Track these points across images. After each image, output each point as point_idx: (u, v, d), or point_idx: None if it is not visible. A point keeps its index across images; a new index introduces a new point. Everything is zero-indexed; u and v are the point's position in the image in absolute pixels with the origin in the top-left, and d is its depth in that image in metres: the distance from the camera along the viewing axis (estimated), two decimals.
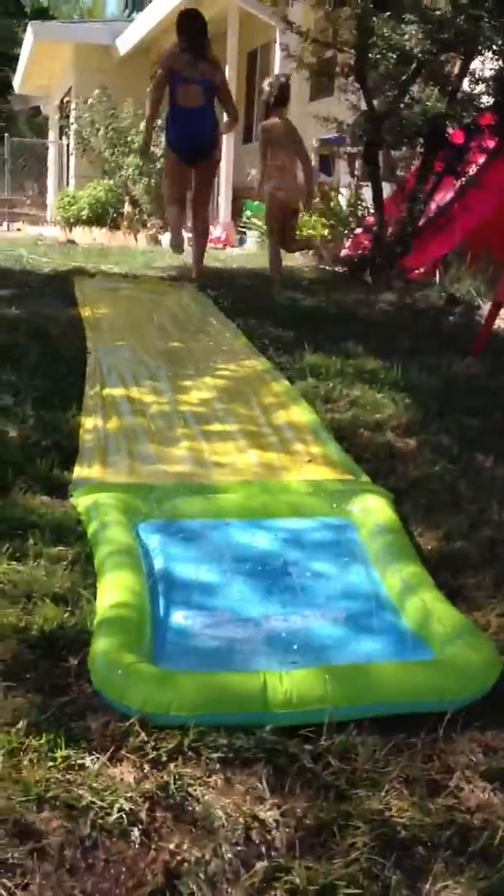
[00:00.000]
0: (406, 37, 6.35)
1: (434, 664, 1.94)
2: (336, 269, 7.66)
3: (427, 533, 2.63)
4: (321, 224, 8.61)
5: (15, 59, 25.63)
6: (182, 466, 3.03)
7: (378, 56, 6.45)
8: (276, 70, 10.09)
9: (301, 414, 3.55)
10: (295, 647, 2.01)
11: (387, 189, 7.50)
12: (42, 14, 30.37)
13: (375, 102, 7.02)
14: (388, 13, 6.39)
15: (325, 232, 8.54)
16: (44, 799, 1.51)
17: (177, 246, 6.59)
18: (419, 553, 2.47)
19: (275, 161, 6.12)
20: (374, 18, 6.38)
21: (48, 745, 1.62)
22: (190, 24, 6.29)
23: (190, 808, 1.53)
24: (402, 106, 6.74)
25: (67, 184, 16.65)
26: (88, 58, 15.52)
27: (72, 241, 10.42)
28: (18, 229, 14.25)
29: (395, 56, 6.40)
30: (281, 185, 6.09)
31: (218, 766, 1.62)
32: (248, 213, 10.98)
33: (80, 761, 1.61)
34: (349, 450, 3.22)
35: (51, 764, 1.58)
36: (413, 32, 6.28)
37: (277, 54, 9.71)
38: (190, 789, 1.57)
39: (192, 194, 6.61)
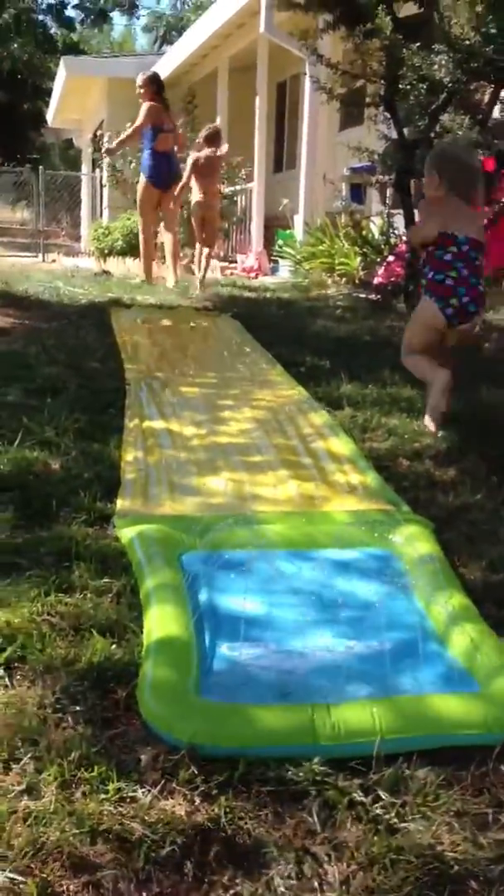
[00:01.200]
0: (436, 67, 6.42)
1: (481, 696, 1.94)
2: (369, 296, 7.70)
3: (470, 563, 2.63)
4: (354, 252, 8.66)
5: (48, 92, 26.18)
6: (223, 498, 3.06)
7: (408, 86, 6.52)
8: (307, 102, 10.22)
9: (340, 444, 3.57)
10: (341, 678, 2.02)
11: (418, 217, 7.54)
12: (73, 48, 30.98)
13: (406, 131, 7.09)
14: (418, 44, 6.47)
15: (357, 260, 8.60)
16: (97, 832, 1.52)
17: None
18: (462, 583, 2.47)
19: (198, 183, 8.58)
20: (404, 49, 6.46)
21: (100, 777, 1.64)
22: (161, 85, 8.62)
23: (241, 842, 1.54)
24: (432, 135, 6.80)
25: (101, 215, 16.91)
26: (120, 91, 15.76)
27: (107, 272, 10.55)
28: (53, 261, 14.47)
29: (425, 86, 6.46)
30: (201, 203, 8.64)
31: (268, 799, 1.63)
32: (280, 241, 11.07)
33: (131, 794, 1.62)
34: (389, 479, 3.23)
35: (103, 796, 1.60)
36: (443, 62, 6.35)
37: (307, 85, 9.82)
38: (241, 822, 1.58)
39: (168, 216, 8.68)
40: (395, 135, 7.23)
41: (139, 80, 8.60)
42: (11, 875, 1.41)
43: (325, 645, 2.17)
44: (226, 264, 12.02)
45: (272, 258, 11.55)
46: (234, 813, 1.59)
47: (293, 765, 1.71)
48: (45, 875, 1.43)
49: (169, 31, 32.37)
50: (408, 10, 7.21)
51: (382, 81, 6.95)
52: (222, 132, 9.31)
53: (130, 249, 12.72)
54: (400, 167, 7.13)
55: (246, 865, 1.49)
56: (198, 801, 1.62)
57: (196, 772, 1.68)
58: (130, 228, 12.79)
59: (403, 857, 1.51)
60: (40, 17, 31.03)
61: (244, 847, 1.53)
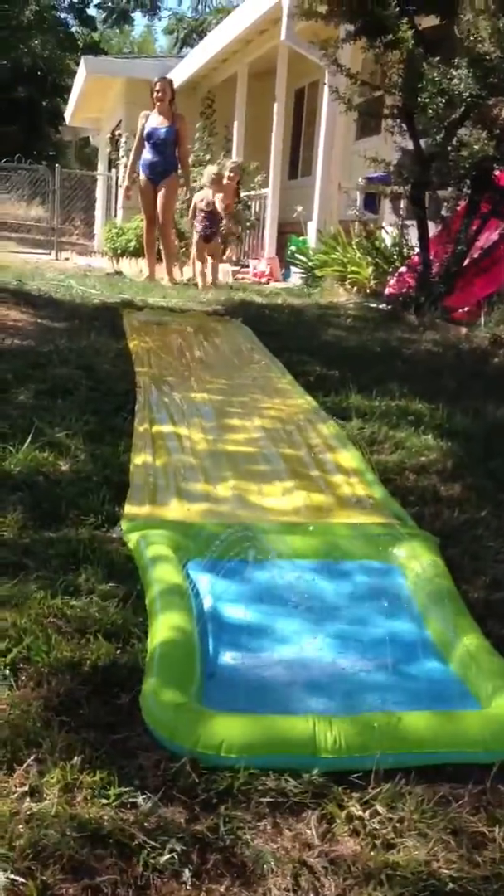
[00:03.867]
0: (455, 81, 6.44)
1: (481, 715, 1.95)
2: (380, 306, 7.71)
3: (473, 580, 2.64)
4: (366, 261, 8.67)
5: (67, 90, 26.27)
6: (230, 506, 3.08)
7: (427, 99, 6.54)
8: (325, 110, 10.25)
9: (348, 456, 3.59)
10: (340, 692, 2.04)
11: (431, 228, 7.57)
12: (94, 48, 31.15)
13: (422, 143, 7.12)
14: (438, 58, 6.49)
15: (369, 269, 8.61)
16: (97, 836, 1.54)
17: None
18: (465, 600, 2.48)
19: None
20: (424, 63, 6.48)
21: (101, 782, 1.66)
22: None
23: (239, 852, 1.56)
24: (449, 148, 6.81)
25: (115, 215, 16.94)
26: (139, 92, 15.76)
27: (119, 273, 10.58)
28: (66, 259, 14.48)
29: (444, 100, 6.48)
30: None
31: (267, 810, 1.65)
32: (293, 248, 11.09)
33: (132, 800, 1.64)
34: (394, 493, 3.25)
35: (104, 801, 1.62)
36: (462, 77, 6.37)
37: (325, 93, 9.85)
38: (240, 832, 1.60)
39: (162, 215, 9.27)
40: (411, 146, 7.25)
41: (167, 84, 9.17)
42: (13, 876, 1.42)
43: (327, 657, 2.19)
44: (238, 269, 12.04)
45: (284, 264, 11.57)
46: (233, 823, 1.61)
47: (293, 776, 1.73)
48: (45, 877, 1.45)
49: (189, 33, 32.44)
50: (428, 21, 7.25)
51: (401, 93, 6.98)
52: (235, 166, 10.31)
53: (143, 250, 12.75)
54: (416, 180, 7.16)
55: (244, 876, 1.50)
56: (197, 809, 1.64)
57: (196, 780, 1.70)
58: (144, 229, 12.83)
59: (399, 873, 1.53)
60: (62, 15, 31.18)
61: (242, 857, 1.54)
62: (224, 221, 9.88)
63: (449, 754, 1.83)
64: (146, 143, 9.10)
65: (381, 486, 3.29)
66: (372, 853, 1.57)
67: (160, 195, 9.13)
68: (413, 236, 7.99)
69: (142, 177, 9.23)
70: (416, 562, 2.65)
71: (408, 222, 8.37)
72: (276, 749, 1.77)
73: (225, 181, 10.22)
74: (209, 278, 9.49)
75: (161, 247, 9.51)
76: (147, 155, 9.12)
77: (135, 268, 11.64)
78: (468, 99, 6.44)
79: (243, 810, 1.65)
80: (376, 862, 1.55)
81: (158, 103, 9.07)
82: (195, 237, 9.64)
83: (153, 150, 9.07)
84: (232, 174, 10.30)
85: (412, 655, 2.23)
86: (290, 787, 1.70)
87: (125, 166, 14.23)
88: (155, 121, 9.08)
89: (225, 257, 11.15)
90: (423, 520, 3.04)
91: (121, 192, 15.95)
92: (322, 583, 2.56)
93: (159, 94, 9.04)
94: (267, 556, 2.65)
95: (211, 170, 9.82)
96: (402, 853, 1.57)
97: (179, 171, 9.25)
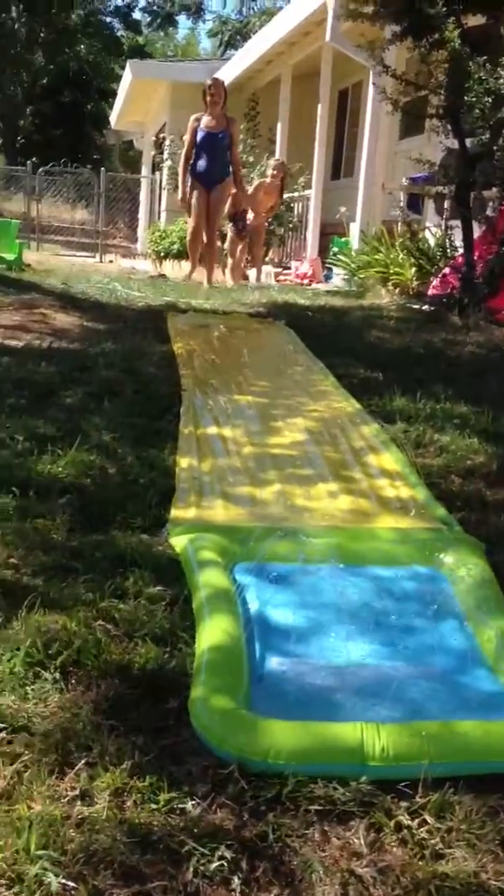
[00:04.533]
0: (502, 80, 6.38)
1: None
2: (423, 308, 7.66)
3: None
4: (409, 262, 8.62)
5: (111, 94, 26.50)
6: (275, 509, 3.08)
7: (474, 99, 6.48)
8: (369, 110, 10.21)
9: (392, 459, 3.58)
10: (388, 699, 2.03)
11: (476, 228, 7.50)
12: (139, 51, 31.37)
13: (468, 143, 7.06)
14: (484, 57, 6.43)
15: (412, 270, 8.55)
16: (147, 842, 1.56)
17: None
18: None
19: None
20: (471, 62, 6.43)
21: (151, 787, 1.68)
22: None
23: (288, 860, 1.56)
24: (495, 148, 6.75)
25: (158, 218, 17.03)
26: (184, 95, 15.86)
27: (163, 276, 10.63)
28: (111, 261, 14.63)
29: (490, 99, 6.42)
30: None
31: (315, 818, 1.65)
32: (335, 249, 11.06)
33: (181, 805, 1.65)
34: (440, 497, 3.23)
35: (154, 807, 1.63)
36: None
37: (369, 94, 9.81)
38: (288, 840, 1.60)
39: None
40: (456, 146, 7.19)
41: (220, 86, 8.91)
42: (64, 881, 1.44)
43: (374, 663, 2.18)
44: (280, 270, 12.04)
45: (326, 265, 11.54)
46: (281, 830, 1.61)
47: (341, 784, 1.73)
48: (96, 882, 1.46)
49: (234, 36, 32.50)
50: (474, 21, 7.18)
51: (446, 93, 6.93)
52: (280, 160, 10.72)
53: (187, 253, 12.81)
54: (461, 180, 7.10)
55: (293, 884, 1.51)
56: (246, 816, 1.64)
57: (245, 786, 1.70)
58: (189, 233, 12.89)
59: (448, 884, 1.52)
60: (107, 19, 31.44)
61: (291, 865, 1.55)
62: (250, 220, 10.11)
63: (498, 764, 1.81)
64: (198, 147, 8.74)
65: (426, 489, 3.27)
66: (420, 863, 1.56)
67: (213, 198, 8.85)
68: (457, 237, 7.93)
69: (193, 181, 8.90)
70: (462, 567, 2.63)
71: (452, 223, 8.30)
72: (324, 756, 1.77)
73: (268, 179, 10.28)
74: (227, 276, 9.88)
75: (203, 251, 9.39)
76: (200, 160, 8.76)
77: (178, 270, 11.69)
78: None
79: (291, 818, 1.65)
80: (425, 872, 1.54)
81: (212, 106, 8.70)
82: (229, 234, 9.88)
83: (206, 155, 8.71)
84: (275, 171, 10.35)
85: (460, 663, 2.21)
86: (338, 794, 1.70)
87: (169, 169, 14.35)
88: (208, 124, 8.72)
89: (267, 259, 11.24)
90: (469, 524, 3.02)
91: (164, 194, 16.08)
92: (368, 588, 2.55)
93: (213, 97, 8.67)
94: (312, 561, 2.65)
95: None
96: (451, 864, 1.57)
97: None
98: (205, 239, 9.15)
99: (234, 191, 9.14)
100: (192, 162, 8.84)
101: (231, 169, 8.92)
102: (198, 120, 8.78)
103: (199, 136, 8.69)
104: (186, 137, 8.90)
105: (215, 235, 9.33)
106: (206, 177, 8.76)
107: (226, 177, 8.85)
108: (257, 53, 13.49)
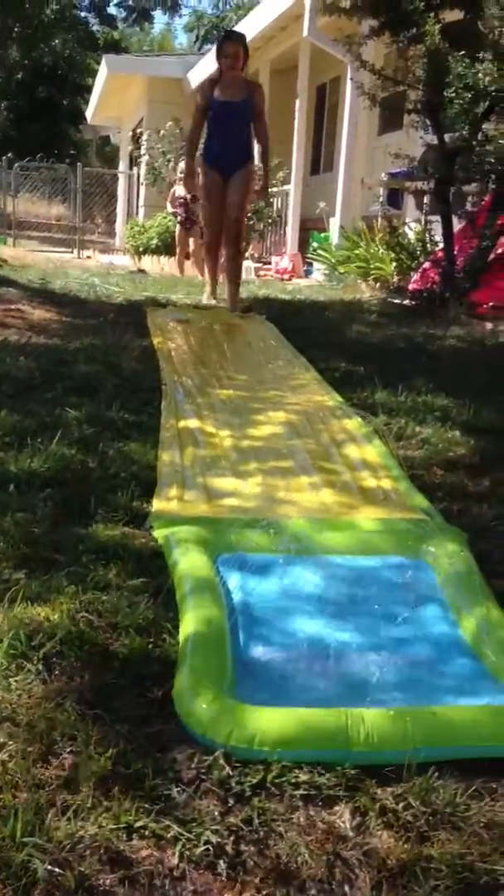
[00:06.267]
0: (480, 75, 6.41)
1: None
2: (404, 302, 7.69)
3: (503, 574, 2.63)
4: (389, 257, 8.65)
5: (87, 89, 26.37)
6: (257, 501, 3.08)
7: (453, 94, 6.51)
8: (347, 105, 10.23)
9: (374, 451, 3.59)
10: (372, 685, 2.04)
11: (456, 223, 7.54)
12: (114, 46, 31.24)
13: (447, 139, 7.09)
14: (463, 52, 6.46)
15: (393, 265, 8.58)
16: (133, 828, 1.56)
17: None
18: (495, 595, 2.47)
19: None
20: (449, 57, 6.45)
21: (136, 774, 1.68)
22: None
23: (274, 844, 1.57)
24: (474, 143, 6.78)
25: (137, 213, 17.00)
26: (160, 90, 15.89)
27: (142, 271, 10.62)
28: (88, 257, 14.57)
29: (470, 94, 6.45)
30: None
31: (300, 803, 1.66)
32: (315, 244, 11.08)
33: (166, 792, 1.65)
34: (422, 488, 3.24)
35: (139, 794, 1.63)
36: (488, 70, 6.34)
37: (348, 89, 9.83)
38: (273, 825, 1.60)
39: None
40: (435, 141, 7.22)
41: (240, 46, 6.55)
42: (51, 867, 1.44)
43: (358, 651, 2.19)
44: (260, 265, 12.04)
45: (306, 261, 11.56)
46: (266, 815, 1.62)
47: (325, 769, 1.73)
48: (82, 868, 1.46)
49: (210, 30, 32.44)
50: (451, 17, 7.21)
51: (425, 88, 6.95)
52: None
53: (165, 248, 12.80)
54: (440, 175, 7.13)
55: (279, 868, 1.51)
56: (231, 801, 1.65)
57: (230, 773, 1.71)
58: (166, 227, 12.88)
59: (434, 866, 1.53)
60: (82, 14, 31.27)
61: (277, 849, 1.55)
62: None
63: (482, 748, 1.83)
64: (211, 122, 6.56)
65: (408, 481, 3.29)
66: (406, 846, 1.57)
67: (232, 189, 6.56)
68: (437, 232, 7.97)
69: (204, 167, 6.71)
70: (445, 557, 2.64)
71: (431, 218, 8.34)
72: (308, 743, 1.78)
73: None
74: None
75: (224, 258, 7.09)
76: (213, 138, 6.60)
77: (157, 266, 11.68)
78: (494, 93, 6.40)
79: (277, 803, 1.65)
80: (410, 855, 1.55)
81: (229, 70, 6.46)
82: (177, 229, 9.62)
83: (222, 132, 6.53)
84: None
85: (443, 650, 2.23)
86: (322, 780, 1.71)
87: (146, 164, 14.31)
88: (224, 93, 6.45)
89: (247, 254, 11.22)
90: (452, 515, 3.04)
91: (142, 189, 16.03)
92: (351, 577, 2.56)
93: (229, 60, 6.42)
94: (295, 551, 2.66)
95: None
96: (437, 846, 1.58)
97: (257, 160, 6.92)
98: (224, 250, 6.95)
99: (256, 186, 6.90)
100: (199, 140, 6.79)
101: (258, 150, 6.78)
102: (211, 85, 6.59)
103: (213, 108, 6.48)
104: (197, 104, 6.62)
105: (241, 240, 7.02)
106: (224, 159, 6.55)
107: (248, 159, 6.65)
108: None
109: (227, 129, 6.49)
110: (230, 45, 6.54)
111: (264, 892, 1.47)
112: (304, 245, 11.95)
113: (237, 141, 6.50)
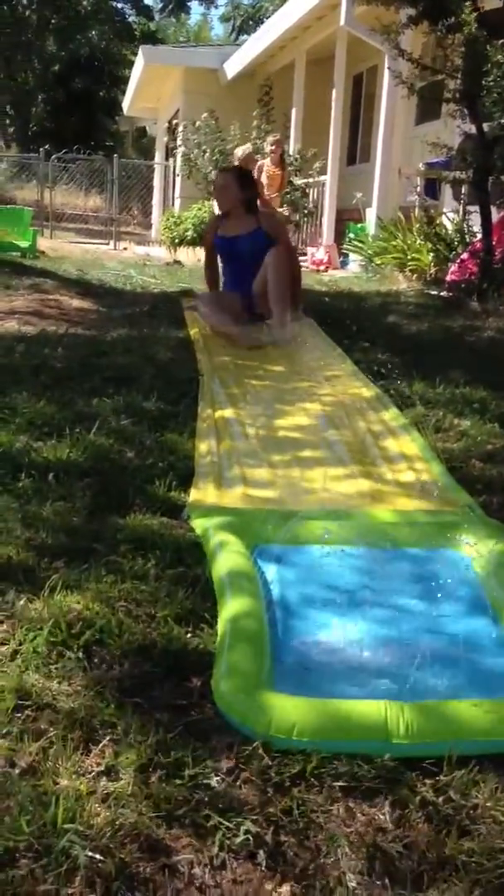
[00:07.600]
0: None
1: None
2: (441, 293, 7.63)
3: None
4: (426, 248, 8.58)
5: (124, 80, 26.43)
6: (293, 492, 3.08)
7: (491, 83, 6.43)
8: (384, 95, 10.15)
9: (412, 442, 3.57)
10: (413, 678, 2.02)
11: (494, 213, 7.45)
12: (151, 37, 31.29)
13: (486, 128, 7.01)
14: (502, 41, 6.38)
15: (430, 256, 8.51)
16: (173, 816, 1.56)
17: None
18: None
19: None
20: (488, 46, 6.37)
21: (175, 763, 1.68)
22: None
23: (313, 835, 1.56)
24: None
25: (172, 204, 17.01)
26: (197, 81, 15.86)
27: (178, 262, 10.63)
28: (125, 248, 14.62)
29: None
30: None
31: (340, 794, 1.65)
32: (351, 235, 11.02)
33: (205, 781, 1.65)
34: (461, 481, 3.21)
35: (179, 782, 1.64)
36: None
37: (385, 78, 9.76)
38: (313, 815, 1.60)
39: None
40: (473, 130, 7.14)
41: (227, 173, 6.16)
42: (91, 854, 1.45)
43: (398, 643, 2.18)
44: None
45: (342, 252, 11.51)
46: (306, 806, 1.61)
47: (365, 761, 1.72)
48: (122, 856, 1.47)
49: (246, 21, 32.35)
50: (490, 4, 7.12)
51: (463, 77, 6.87)
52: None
53: (201, 240, 12.78)
54: (479, 164, 7.05)
55: (318, 859, 1.51)
56: (270, 791, 1.65)
57: (269, 763, 1.71)
58: (202, 218, 12.88)
59: (475, 860, 1.52)
60: (119, 5, 31.35)
61: (316, 840, 1.55)
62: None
63: None
64: (223, 261, 6.10)
65: (447, 473, 3.26)
66: (447, 839, 1.56)
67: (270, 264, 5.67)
68: (475, 222, 7.88)
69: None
70: (484, 550, 2.62)
71: (470, 208, 8.25)
72: (347, 734, 1.77)
73: (267, 160, 10.29)
74: None
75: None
76: (228, 277, 6.11)
77: (192, 257, 11.69)
78: None
79: (316, 794, 1.65)
80: (451, 848, 1.54)
81: (224, 205, 5.91)
82: None
83: (234, 270, 5.99)
84: (274, 147, 10.37)
85: (484, 644, 2.21)
86: (362, 772, 1.70)
87: (182, 155, 14.32)
88: (229, 229, 5.86)
89: None
90: (491, 508, 3.01)
91: (178, 181, 16.04)
92: (391, 569, 2.55)
93: (216, 192, 6.05)
94: (334, 542, 2.65)
95: (244, 149, 9.93)
96: (478, 840, 1.56)
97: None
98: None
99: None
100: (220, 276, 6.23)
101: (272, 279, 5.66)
102: (219, 219, 6.08)
103: (221, 246, 5.96)
104: (206, 242, 6.28)
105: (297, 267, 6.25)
106: (244, 286, 5.86)
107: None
108: (270, 38, 13.43)
109: (240, 265, 5.85)
110: (218, 176, 6.30)
111: (304, 883, 1.46)
112: (340, 236, 11.89)
113: (254, 276, 5.77)
